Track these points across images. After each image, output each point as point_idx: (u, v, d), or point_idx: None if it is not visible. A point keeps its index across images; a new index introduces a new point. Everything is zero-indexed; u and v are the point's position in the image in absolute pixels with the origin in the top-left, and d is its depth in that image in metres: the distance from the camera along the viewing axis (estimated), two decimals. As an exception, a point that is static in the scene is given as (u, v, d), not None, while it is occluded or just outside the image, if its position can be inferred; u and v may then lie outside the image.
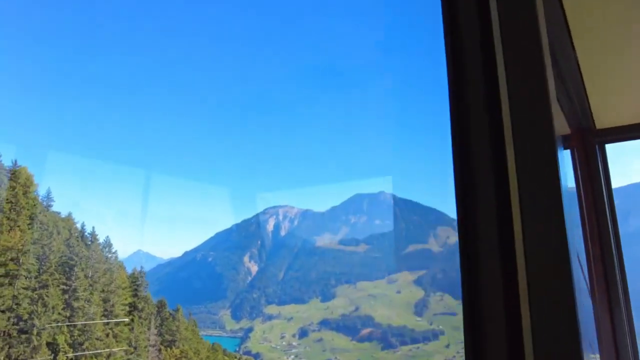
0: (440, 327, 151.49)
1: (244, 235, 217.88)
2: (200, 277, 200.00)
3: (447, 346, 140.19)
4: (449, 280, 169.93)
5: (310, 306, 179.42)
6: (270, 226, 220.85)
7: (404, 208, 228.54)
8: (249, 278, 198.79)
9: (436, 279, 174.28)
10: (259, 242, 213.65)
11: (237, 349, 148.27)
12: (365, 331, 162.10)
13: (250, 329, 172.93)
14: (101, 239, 37.80)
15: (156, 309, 34.50)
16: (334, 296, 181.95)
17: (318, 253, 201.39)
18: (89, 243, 35.27)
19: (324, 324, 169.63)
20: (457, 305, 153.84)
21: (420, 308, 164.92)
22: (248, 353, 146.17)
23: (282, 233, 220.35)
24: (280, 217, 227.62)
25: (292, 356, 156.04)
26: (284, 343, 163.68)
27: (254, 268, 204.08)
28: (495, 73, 1.31)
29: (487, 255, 1.24)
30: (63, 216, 36.83)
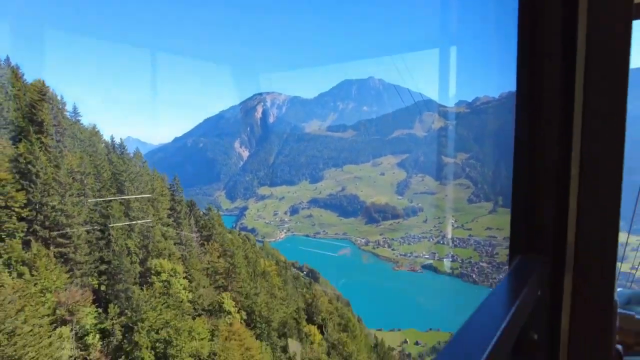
0: (420, 204, 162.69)
1: (233, 122, 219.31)
2: (193, 162, 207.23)
3: (425, 221, 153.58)
4: (431, 163, 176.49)
5: (300, 187, 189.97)
6: (258, 113, 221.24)
7: (391, 93, 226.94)
8: (241, 163, 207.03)
9: (418, 161, 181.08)
10: (249, 129, 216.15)
11: (234, 226, 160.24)
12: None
13: (245, 208, 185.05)
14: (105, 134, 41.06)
15: (188, 208, 39.92)
16: (322, 178, 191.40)
17: (307, 139, 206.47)
18: (120, 154, 39.11)
19: (313, 202, 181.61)
20: (436, 186, 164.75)
21: (402, 188, 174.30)
22: (244, 229, 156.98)
23: (271, 120, 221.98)
24: (269, 104, 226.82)
25: (285, 230, 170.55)
26: (277, 219, 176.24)
27: (245, 153, 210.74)
28: None
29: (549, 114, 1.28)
30: (87, 127, 39.63)
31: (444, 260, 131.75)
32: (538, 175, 1.34)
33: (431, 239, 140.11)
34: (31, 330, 17.76)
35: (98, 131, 40.42)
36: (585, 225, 1.28)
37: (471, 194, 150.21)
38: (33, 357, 17.24)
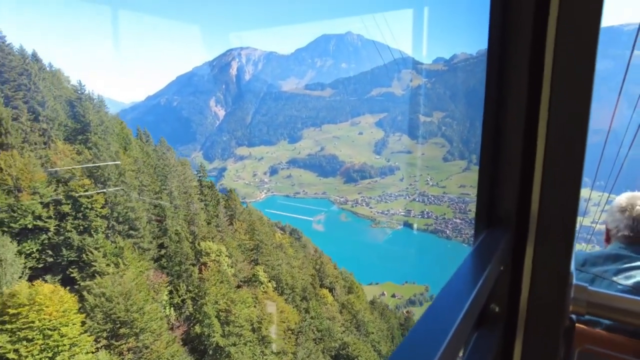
0: (397, 163, 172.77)
1: (207, 80, 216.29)
2: (168, 121, 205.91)
3: (401, 179, 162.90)
4: (408, 121, 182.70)
5: (278, 147, 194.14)
6: (233, 70, 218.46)
7: (370, 50, 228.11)
8: (217, 122, 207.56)
9: (396, 120, 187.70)
10: (224, 87, 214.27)
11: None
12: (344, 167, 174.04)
13: (223, 169, 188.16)
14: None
15: (209, 190, 45.51)
16: (300, 138, 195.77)
17: (284, 98, 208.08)
18: (146, 144, 43.54)
19: (293, 162, 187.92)
20: (413, 144, 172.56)
21: (379, 147, 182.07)
22: (224, 190, 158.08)
23: (247, 77, 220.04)
24: (244, 60, 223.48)
25: (265, 190, 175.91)
26: (256, 180, 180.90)
27: (221, 112, 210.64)
28: None
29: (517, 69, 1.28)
30: (110, 115, 43.39)
31: (419, 217, 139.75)
32: (505, 137, 1.38)
33: (407, 197, 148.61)
34: (149, 308, 23.85)
35: (122, 121, 44.33)
36: (548, 199, 1.33)
37: (446, 153, 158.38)
38: (156, 329, 23.53)
